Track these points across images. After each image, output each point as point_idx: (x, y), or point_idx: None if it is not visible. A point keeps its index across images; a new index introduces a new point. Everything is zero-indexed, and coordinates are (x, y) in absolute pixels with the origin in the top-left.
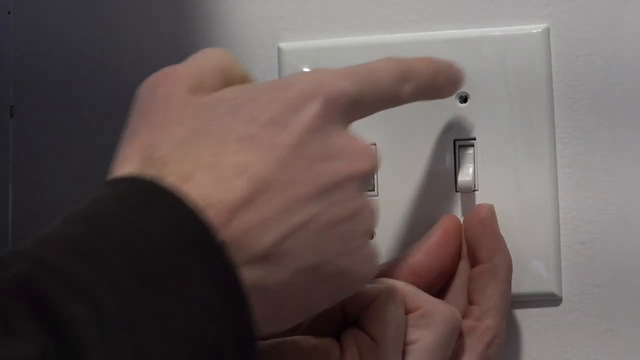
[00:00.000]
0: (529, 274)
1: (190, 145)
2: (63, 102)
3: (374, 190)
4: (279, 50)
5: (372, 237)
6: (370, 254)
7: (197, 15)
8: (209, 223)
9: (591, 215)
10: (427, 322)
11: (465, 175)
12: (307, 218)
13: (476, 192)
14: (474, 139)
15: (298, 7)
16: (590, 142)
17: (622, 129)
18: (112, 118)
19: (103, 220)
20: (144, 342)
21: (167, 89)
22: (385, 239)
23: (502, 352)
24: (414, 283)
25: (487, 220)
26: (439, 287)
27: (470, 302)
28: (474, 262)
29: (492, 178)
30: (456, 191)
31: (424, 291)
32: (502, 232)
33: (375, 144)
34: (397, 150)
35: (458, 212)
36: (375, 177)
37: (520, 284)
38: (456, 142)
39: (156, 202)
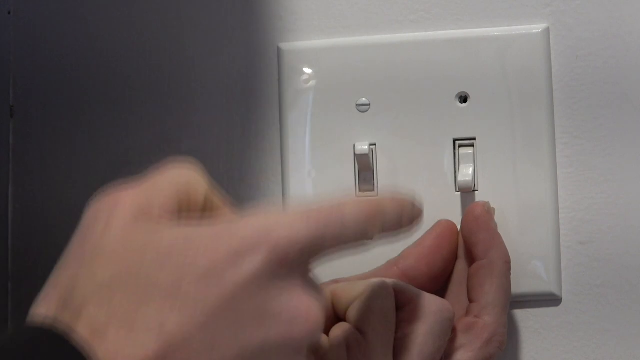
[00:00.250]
0: (529, 274)
1: (111, 292)
2: (63, 102)
3: (373, 190)
4: (279, 50)
5: None
6: None
7: (197, 16)
8: None
9: (591, 215)
10: (417, 314)
11: (465, 175)
12: None
13: (476, 192)
14: (474, 139)
15: (298, 7)
16: (590, 142)
17: (622, 129)
18: (111, 118)
19: None
20: None
21: (108, 216)
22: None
23: (502, 352)
24: None
25: (482, 217)
26: (432, 291)
27: (469, 300)
28: (471, 259)
29: (492, 178)
30: (456, 191)
31: None
32: (502, 232)
33: (375, 144)
34: (397, 150)
35: (458, 212)
36: (375, 177)
37: (520, 284)
38: (456, 142)
39: (64, 358)
